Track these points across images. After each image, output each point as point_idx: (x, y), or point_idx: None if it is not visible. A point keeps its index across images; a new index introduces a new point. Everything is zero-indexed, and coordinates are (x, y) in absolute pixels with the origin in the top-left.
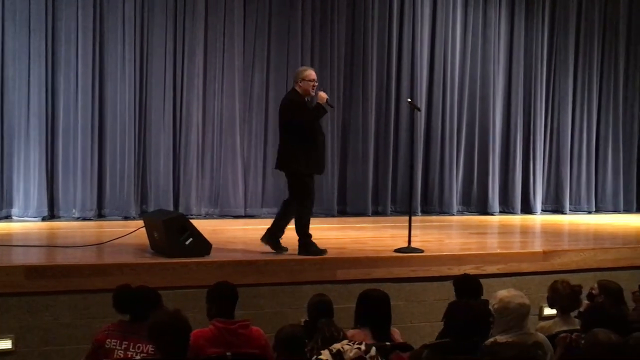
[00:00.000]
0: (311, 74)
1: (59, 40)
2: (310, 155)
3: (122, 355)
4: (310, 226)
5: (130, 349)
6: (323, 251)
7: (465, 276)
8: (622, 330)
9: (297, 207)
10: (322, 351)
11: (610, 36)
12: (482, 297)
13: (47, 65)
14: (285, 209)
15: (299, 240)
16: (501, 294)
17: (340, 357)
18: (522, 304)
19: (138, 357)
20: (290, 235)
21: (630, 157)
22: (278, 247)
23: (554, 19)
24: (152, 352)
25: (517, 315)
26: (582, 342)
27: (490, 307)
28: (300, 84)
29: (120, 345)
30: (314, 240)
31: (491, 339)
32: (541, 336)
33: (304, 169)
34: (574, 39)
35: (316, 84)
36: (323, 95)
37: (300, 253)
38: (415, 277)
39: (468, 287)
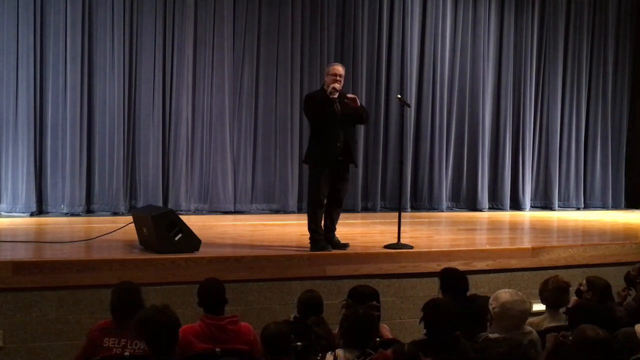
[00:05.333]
0: (333, 68)
1: (48, 35)
2: (316, 146)
3: (120, 352)
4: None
5: (128, 347)
6: (326, 247)
7: (450, 270)
8: (609, 326)
9: (307, 200)
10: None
11: (599, 33)
12: (469, 293)
13: (36, 60)
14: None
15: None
16: (504, 297)
17: None
18: (523, 311)
19: (134, 353)
20: (296, 230)
21: (618, 153)
22: (334, 246)
23: (543, 16)
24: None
25: (517, 320)
26: (570, 338)
27: (490, 307)
28: (325, 79)
29: (118, 343)
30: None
31: (484, 335)
32: (535, 335)
33: (308, 161)
34: (564, 36)
35: (338, 78)
36: (331, 86)
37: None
38: (405, 273)
39: (453, 282)
